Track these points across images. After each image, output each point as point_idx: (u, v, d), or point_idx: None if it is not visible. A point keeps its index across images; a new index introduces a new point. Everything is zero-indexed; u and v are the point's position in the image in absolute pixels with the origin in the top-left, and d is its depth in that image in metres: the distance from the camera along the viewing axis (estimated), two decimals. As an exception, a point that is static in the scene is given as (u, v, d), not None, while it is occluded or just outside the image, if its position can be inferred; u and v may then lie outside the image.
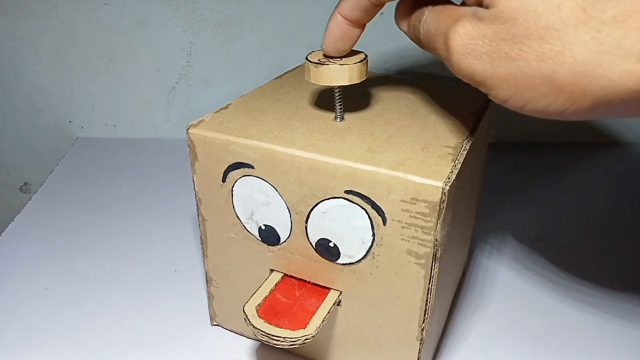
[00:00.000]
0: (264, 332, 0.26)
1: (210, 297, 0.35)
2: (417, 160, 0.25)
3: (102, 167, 0.56)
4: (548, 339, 0.35)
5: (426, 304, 0.26)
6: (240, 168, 0.28)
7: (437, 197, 0.23)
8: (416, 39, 0.25)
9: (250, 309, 0.27)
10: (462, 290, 0.40)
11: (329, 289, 0.29)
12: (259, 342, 0.35)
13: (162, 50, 0.58)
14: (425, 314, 0.27)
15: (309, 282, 0.30)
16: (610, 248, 0.45)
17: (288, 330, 0.26)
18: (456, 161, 0.25)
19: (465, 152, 0.26)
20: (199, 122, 0.29)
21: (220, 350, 0.34)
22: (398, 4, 0.27)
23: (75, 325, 0.36)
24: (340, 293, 0.29)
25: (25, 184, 0.66)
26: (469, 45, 0.21)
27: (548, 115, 0.20)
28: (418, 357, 0.28)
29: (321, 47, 0.28)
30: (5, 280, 0.40)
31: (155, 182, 0.54)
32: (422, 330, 0.27)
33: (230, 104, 0.32)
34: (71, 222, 0.47)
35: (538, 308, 0.38)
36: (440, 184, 0.23)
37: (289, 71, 0.39)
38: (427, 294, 0.26)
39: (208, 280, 0.34)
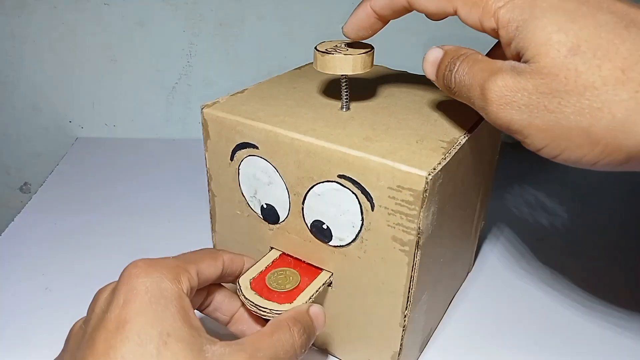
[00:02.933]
0: (253, 302, 0.28)
1: None
2: (409, 150, 0.26)
3: (102, 167, 0.57)
4: (548, 338, 0.36)
5: (409, 291, 0.28)
6: (246, 148, 0.30)
7: (420, 186, 0.25)
8: (446, 87, 0.27)
9: (244, 281, 0.29)
10: (463, 288, 0.40)
11: (321, 269, 0.31)
12: None
13: (162, 50, 0.59)
14: (407, 301, 0.28)
15: (304, 261, 0.31)
16: (610, 248, 0.45)
17: (275, 304, 0.28)
18: (447, 154, 0.26)
19: (458, 147, 0.27)
20: (214, 103, 0.32)
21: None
22: (427, 54, 0.28)
23: (75, 325, 0.35)
24: (332, 274, 0.30)
25: (25, 184, 0.66)
26: (508, 97, 0.22)
27: (581, 164, 0.22)
28: (401, 344, 0.30)
29: (342, 28, 0.29)
30: (5, 280, 0.40)
31: (155, 182, 0.54)
32: (405, 317, 0.29)
33: (247, 89, 0.34)
34: (71, 222, 0.47)
35: (537, 308, 0.39)
36: (424, 173, 0.24)
37: (310, 63, 0.41)
38: (410, 281, 0.27)
39: None
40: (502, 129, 0.24)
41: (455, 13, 0.25)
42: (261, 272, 0.31)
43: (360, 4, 0.28)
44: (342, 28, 0.29)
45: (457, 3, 0.24)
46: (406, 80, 0.37)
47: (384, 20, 0.28)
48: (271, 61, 0.60)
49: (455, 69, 0.26)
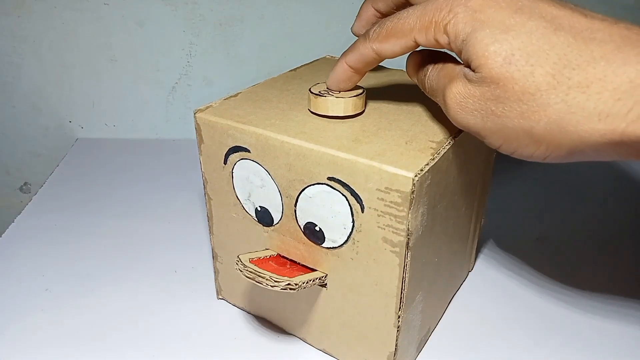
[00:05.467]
0: (252, 269, 0.29)
1: (216, 272, 0.38)
2: (397, 152, 0.27)
3: (102, 168, 0.57)
4: (547, 338, 0.36)
5: (401, 292, 0.28)
6: (238, 151, 0.31)
7: (408, 188, 0.25)
8: (423, 90, 0.29)
9: (244, 257, 0.31)
10: (463, 287, 0.41)
11: (316, 270, 0.31)
12: (260, 318, 0.37)
13: (162, 50, 0.59)
14: (401, 302, 0.29)
15: (299, 263, 0.32)
16: (610, 247, 0.46)
17: (274, 274, 0.29)
18: (435, 155, 0.27)
19: (448, 147, 0.28)
20: (207, 107, 0.33)
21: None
22: (408, 60, 0.30)
23: (75, 325, 0.36)
24: (326, 275, 0.31)
25: (25, 184, 0.67)
26: (462, 103, 0.25)
27: (534, 159, 0.24)
28: (396, 344, 0.30)
29: (326, 82, 0.32)
30: (5, 281, 0.41)
31: (155, 183, 0.54)
32: (399, 317, 0.29)
33: (240, 92, 0.35)
34: (71, 223, 0.48)
35: (537, 307, 0.39)
36: (411, 174, 0.25)
37: (305, 64, 0.42)
38: (402, 282, 0.28)
39: (214, 256, 0.37)
40: (465, 130, 0.26)
41: (417, 43, 0.27)
42: (259, 258, 0.31)
43: (337, 60, 0.31)
44: (326, 82, 0.32)
45: (414, 34, 0.26)
46: (401, 79, 0.38)
47: (359, 72, 0.30)
48: (271, 61, 0.60)
49: (427, 75, 0.28)
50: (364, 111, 0.32)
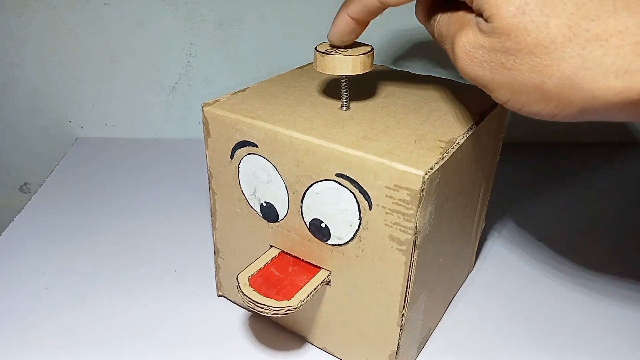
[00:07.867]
0: (251, 299, 0.29)
1: (217, 268, 0.38)
2: (406, 150, 0.27)
3: (102, 167, 0.57)
4: (547, 339, 0.36)
5: (406, 291, 0.28)
6: (246, 146, 0.31)
7: (417, 186, 0.25)
8: (432, 36, 0.28)
9: (243, 278, 0.30)
10: (463, 288, 0.41)
11: (320, 268, 0.31)
12: (260, 315, 0.37)
13: (162, 50, 0.59)
14: (405, 301, 0.28)
15: (303, 260, 0.32)
16: (610, 248, 0.46)
17: (273, 300, 0.29)
18: (445, 154, 0.27)
19: (457, 147, 0.28)
20: (215, 102, 0.32)
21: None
22: (417, 3, 0.29)
23: (75, 325, 0.36)
24: (330, 273, 0.31)
25: (25, 184, 0.67)
26: (471, 53, 0.23)
27: (542, 117, 0.23)
28: (398, 343, 0.30)
29: (327, 36, 0.31)
30: (5, 280, 0.40)
31: (155, 182, 0.54)
32: (403, 316, 0.29)
33: (248, 87, 0.35)
34: (71, 222, 0.47)
35: (537, 308, 0.39)
36: (421, 172, 0.25)
37: (312, 63, 0.41)
38: (407, 280, 0.28)
39: (215, 252, 0.37)
40: (472, 82, 0.25)
41: None
42: (260, 269, 0.31)
43: (338, 12, 0.29)
44: (327, 36, 0.30)
45: None
46: (407, 80, 0.38)
47: (362, 23, 0.29)
48: (271, 61, 0.60)
49: (437, 20, 0.27)
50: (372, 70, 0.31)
